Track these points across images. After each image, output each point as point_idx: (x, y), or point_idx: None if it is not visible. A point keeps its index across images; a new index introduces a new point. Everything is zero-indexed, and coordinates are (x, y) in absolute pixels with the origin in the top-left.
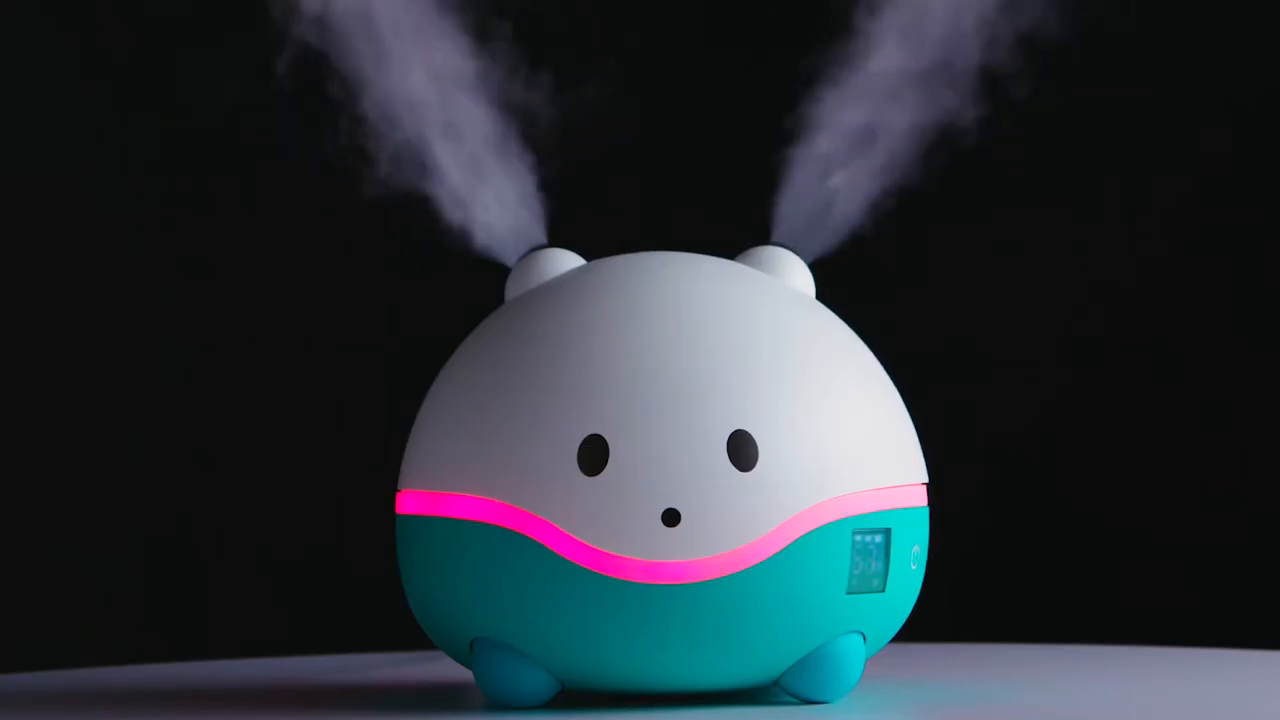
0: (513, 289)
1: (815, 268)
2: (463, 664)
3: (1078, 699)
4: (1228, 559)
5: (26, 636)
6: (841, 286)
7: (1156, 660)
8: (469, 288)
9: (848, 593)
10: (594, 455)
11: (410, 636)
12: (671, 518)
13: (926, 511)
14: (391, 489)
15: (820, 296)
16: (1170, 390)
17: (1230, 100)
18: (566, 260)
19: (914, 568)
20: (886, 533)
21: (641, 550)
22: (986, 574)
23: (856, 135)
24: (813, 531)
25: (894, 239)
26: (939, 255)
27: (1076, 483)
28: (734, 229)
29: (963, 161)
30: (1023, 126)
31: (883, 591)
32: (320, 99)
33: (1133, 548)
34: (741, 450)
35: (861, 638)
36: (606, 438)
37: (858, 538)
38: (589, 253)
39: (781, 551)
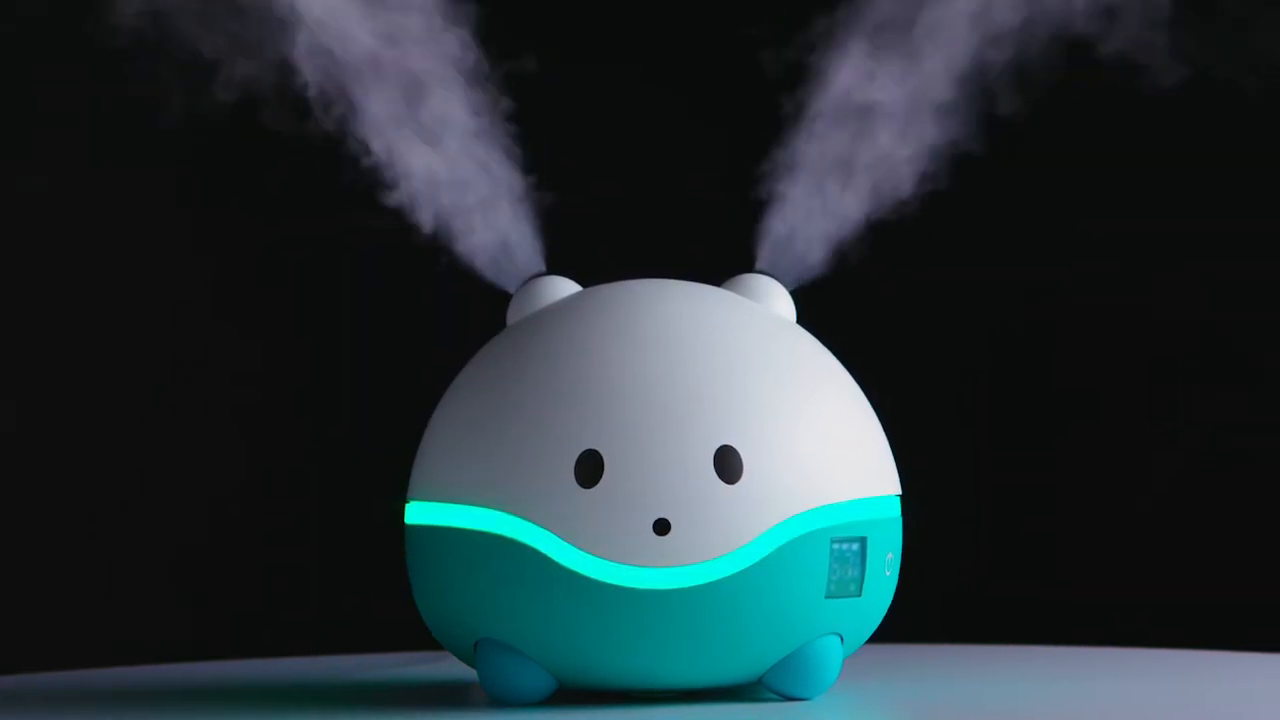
0: (514, 314)
1: (796, 294)
2: (467, 664)
3: (1046, 698)
4: (1215, 560)
5: (35, 636)
6: (821, 311)
7: (1134, 661)
8: (473, 313)
9: (826, 597)
10: (590, 469)
11: (419, 638)
12: (662, 527)
13: (900, 521)
14: (401, 501)
15: (801, 321)
16: (1152, 393)
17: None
18: (564, 287)
19: (888, 574)
20: (862, 541)
21: (634, 557)
22: (961, 578)
23: (836, 170)
24: (794, 540)
25: (870, 266)
26: (913, 280)
27: (1050, 489)
28: (720, 258)
29: (934, 192)
30: (993, 157)
31: (859, 596)
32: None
33: (1107, 551)
34: (727, 464)
35: (839, 639)
36: (602, 452)
37: (836, 546)
38: (585, 280)
39: (764, 558)
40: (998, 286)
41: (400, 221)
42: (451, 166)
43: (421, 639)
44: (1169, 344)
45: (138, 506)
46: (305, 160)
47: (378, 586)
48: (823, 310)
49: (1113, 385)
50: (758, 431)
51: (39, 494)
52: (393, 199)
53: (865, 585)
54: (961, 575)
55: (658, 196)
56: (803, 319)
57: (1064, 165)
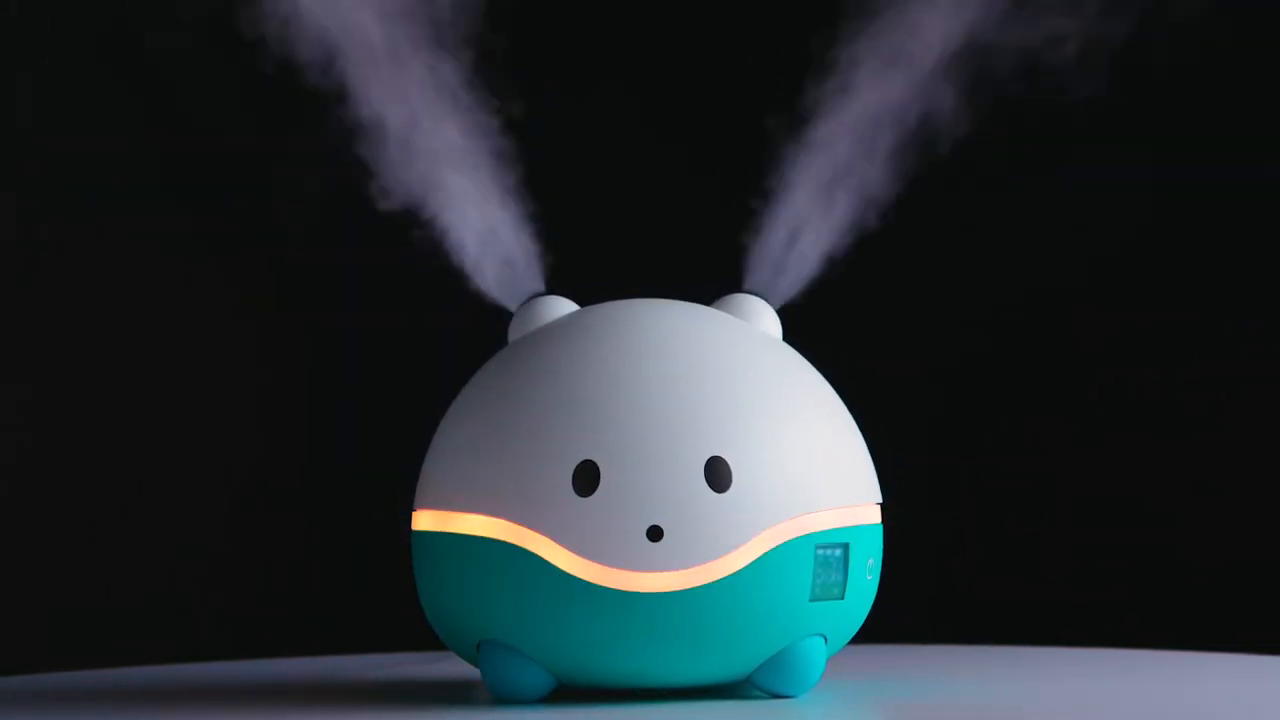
0: (515, 331)
1: (782, 312)
2: (470, 663)
3: (1024, 696)
4: (1201, 561)
5: (37, 637)
6: (805, 329)
7: (1115, 661)
8: (477, 331)
9: (811, 600)
10: (587, 478)
11: (424, 639)
12: (655, 534)
13: (881, 528)
14: (408, 509)
15: (786, 338)
16: (1136, 396)
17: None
18: (562, 306)
19: (869, 578)
20: (845, 547)
21: (629, 563)
22: (940, 581)
23: (818, 195)
24: (780, 545)
25: (851, 287)
26: (891, 299)
27: (1019, 498)
28: (711, 278)
29: (909, 215)
30: (962, 177)
31: (842, 599)
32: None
33: (1087, 554)
34: (717, 474)
35: (823, 640)
36: (598, 463)
37: (819, 551)
38: (582, 300)
39: (752, 563)
40: (974, 299)
41: (410, 245)
42: (457, 194)
43: (426, 640)
44: (1152, 348)
45: (146, 510)
46: (318, 176)
47: (385, 590)
48: (807, 327)
49: (1093, 388)
50: (746, 443)
51: (43, 495)
52: (405, 225)
53: (848, 588)
54: (940, 578)
55: (651, 221)
56: (788, 336)
57: (1029, 181)
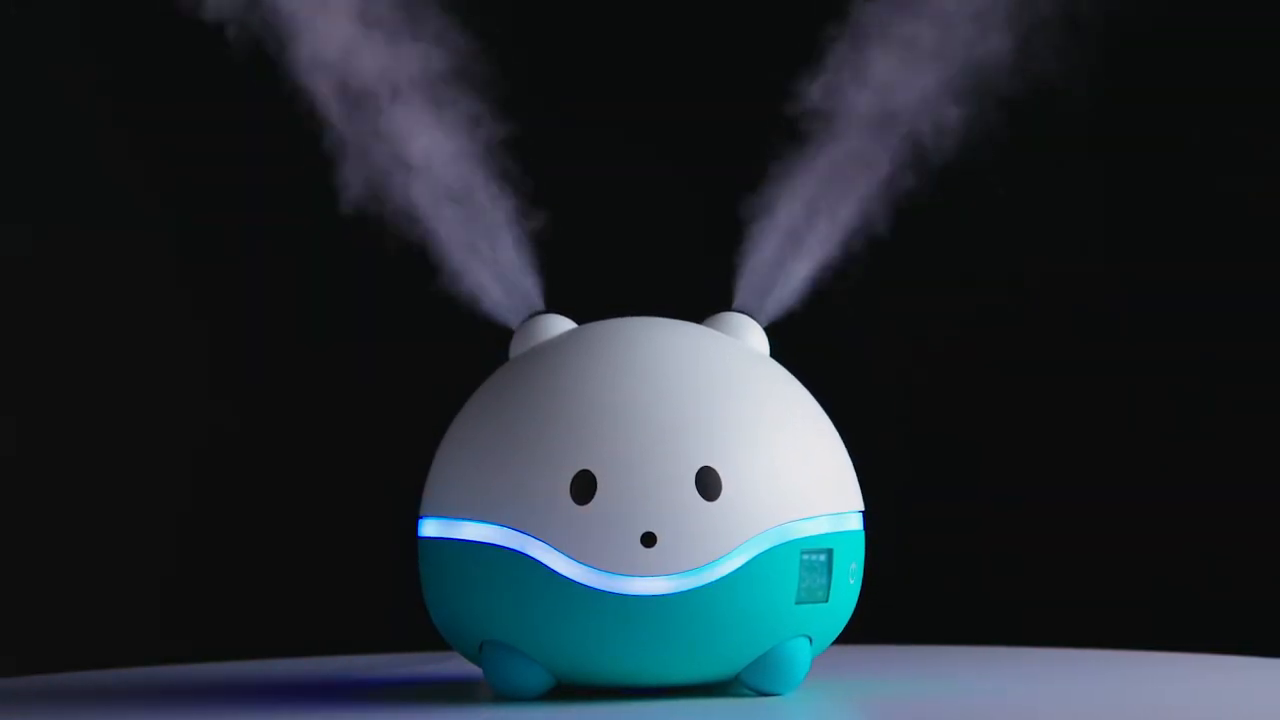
0: (516, 348)
1: (769, 330)
2: (473, 662)
3: (1001, 694)
4: (1177, 562)
5: (60, 636)
6: (791, 345)
7: (1091, 662)
8: (479, 348)
9: (797, 603)
10: (584, 487)
11: (429, 639)
12: (649, 540)
13: (863, 534)
14: (414, 517)
15: (773, 354)
16: (1110, 400)
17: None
18: (561, 324)
19: (852, 582)
20: (829, 552)
21: (624, 567)
22: (916, 586)
23: (805, 217)
24: (767, 551)
25: (835, 305)
26: (874, 315)
27: (999, 505)
28: (702, 298)
29: (892, 236)
30: (941, 195)
31: (826, 602)
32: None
33: (1067, 555)
34: (708, 483)
35: (808, 640)
36: (595, 472)
37: (805, 556)
38: (580, 318)
39: (741, 568)
40: (957, 312)
41: (418, 267)
42: (463, 219)
43: (432, 640)
44: (1124, 354)
45: (151, 512)
46: (329, 201)
47: (393, 593)
48: (793, 344)
49: (1080, 392)
50: (735, 454)
51: (45, 495)
52: (415, 251)
53: (832, 592)
54: (923, 581)
55: (646, 242)
56: (775, 352)
57: (1004, 201)
